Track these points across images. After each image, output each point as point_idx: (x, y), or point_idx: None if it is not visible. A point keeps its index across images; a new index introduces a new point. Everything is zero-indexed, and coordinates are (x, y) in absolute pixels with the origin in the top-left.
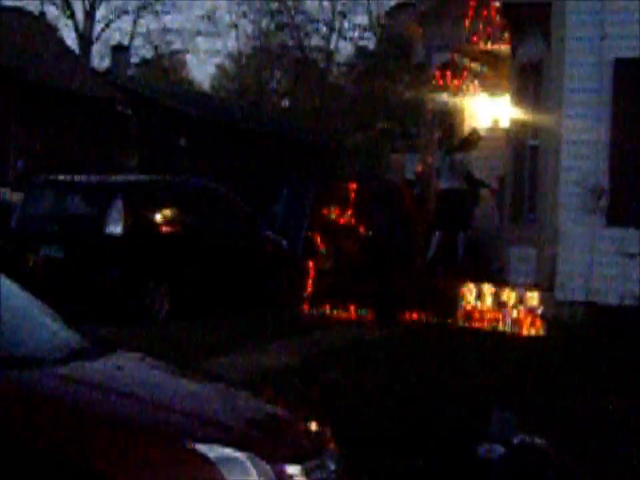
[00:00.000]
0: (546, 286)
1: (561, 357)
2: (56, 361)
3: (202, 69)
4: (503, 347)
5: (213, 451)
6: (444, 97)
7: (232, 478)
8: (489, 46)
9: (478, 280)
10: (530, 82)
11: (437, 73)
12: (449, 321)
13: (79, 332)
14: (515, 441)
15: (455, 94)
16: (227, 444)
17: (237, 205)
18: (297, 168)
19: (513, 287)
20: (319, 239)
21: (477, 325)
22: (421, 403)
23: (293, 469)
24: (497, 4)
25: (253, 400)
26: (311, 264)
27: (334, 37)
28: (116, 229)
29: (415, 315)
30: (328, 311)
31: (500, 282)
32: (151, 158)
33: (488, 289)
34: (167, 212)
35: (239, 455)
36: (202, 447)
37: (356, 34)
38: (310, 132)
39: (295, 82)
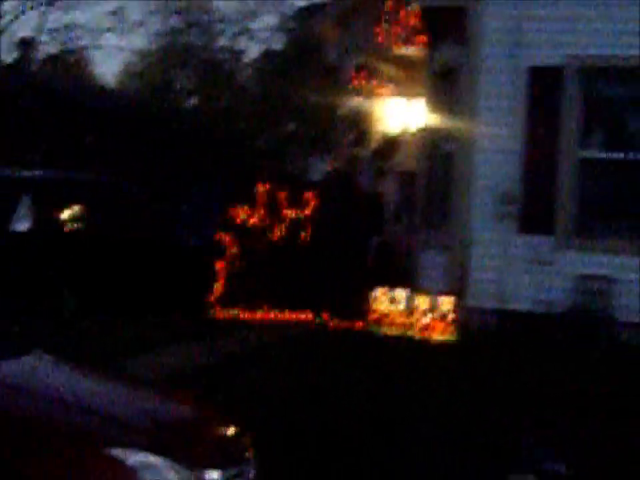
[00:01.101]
0: (457, 292)
1: (468, 366)
2: None
3: (109, 66)
4: (410, 353)
5: (131, 456)
6: (358, 100)
7: None
8: (405, 50)
9: (388, 285)
10: (446, 87)
11: (353, 76)
12: (356, 325)
13: None
14: None
15: (370, 97)
16: (145, 449)
17: (146, 203)
18: (207, 168)
19: (424, 292)
20: (229, 240)
21: (384, 330)
22: (323, 412)
23: (213, 475)
24: (414, 8)
25: (172, 404)
26: (220, 264)
27: (243, 37)
28: (22, 226)
29: (324, 318)
30: (237, 312)
31: (411, 287)
32: (56, 154)
33: (398, 294)
34: (75, 209)
35: (158, 460)
36: (119, 452)
37: (265, 35)
38: (219, 132)
39: (201, 81)
